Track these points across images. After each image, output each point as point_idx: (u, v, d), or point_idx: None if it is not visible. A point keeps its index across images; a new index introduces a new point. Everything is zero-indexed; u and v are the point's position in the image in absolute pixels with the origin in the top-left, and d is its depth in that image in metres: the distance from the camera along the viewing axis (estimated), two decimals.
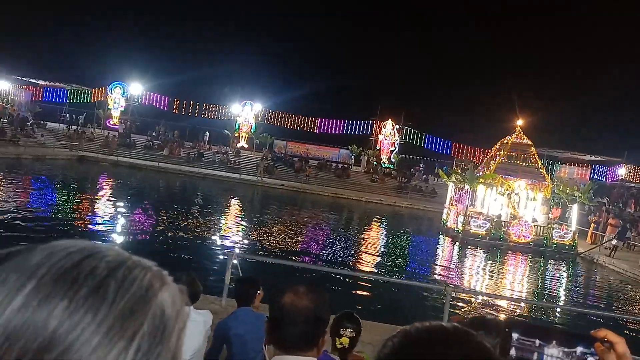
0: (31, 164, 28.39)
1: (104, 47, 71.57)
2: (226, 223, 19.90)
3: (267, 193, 32.27)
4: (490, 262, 19.51)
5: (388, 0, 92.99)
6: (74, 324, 0.43)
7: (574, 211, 24.40)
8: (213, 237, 16.10)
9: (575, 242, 23.00)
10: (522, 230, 22.75)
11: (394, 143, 47.14)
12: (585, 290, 16.73)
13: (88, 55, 63.57)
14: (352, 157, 46.02)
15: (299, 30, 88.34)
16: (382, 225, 25.75)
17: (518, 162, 24.91)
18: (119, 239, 13.91)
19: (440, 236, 23.96)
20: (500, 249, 21.76)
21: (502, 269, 18.86)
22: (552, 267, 20.15)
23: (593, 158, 43.51)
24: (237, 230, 18.21)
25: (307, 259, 14.45)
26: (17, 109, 40.48)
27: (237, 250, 11.67)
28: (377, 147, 46.93)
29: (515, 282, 17.11)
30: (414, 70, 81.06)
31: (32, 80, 46.66)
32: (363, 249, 18.10)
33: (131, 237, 14.42)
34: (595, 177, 41.98)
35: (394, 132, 47.11)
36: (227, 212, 22.98)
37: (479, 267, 18.89)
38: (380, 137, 47.17)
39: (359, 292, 11.34)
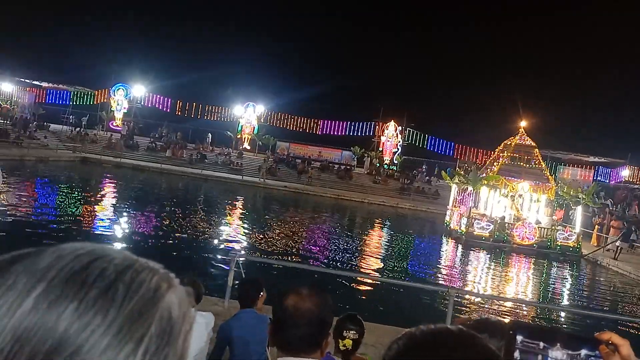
0: (34, 166, 28.48)
1: (105, 48, 71.58)
2: (229, 224, 19.92)
3: (269, 194, 32.28)
4: (494, 264, 19.46)
5: (388, 0, 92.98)
6: (83, 326, 0.44)
7: (578, 213, 24.28)
8: (216, 239, 16.12)
9: (580, 244, 22.90)
10: (525, 232, 22.67)
11: (397, 144, 47.11)
12: (589, 292, 16.65)
13: (90, 57, 63.64)
14: (355, 158, 45.94)
15: (299, 30, 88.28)
16: (384, 227, 25.71)
17: (521, 163, 24.81)
18: (121, 240, 13.92)
19: (444, 238, 23.88)
20: (503, 250, 21.70)
21: (505, 271, 18.80)
22: (556, 269, 20.09)
23: (596, 159, 43.33)
24: (240, 232, 18.21)
25: (310, 260, 14.43)
26: (20, 111, 40.61)
27: (239, 252, 11.67)
28: (380, 149, 46.92)
29: (519, 284, 17.06)
30: (414, 71, 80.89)
31: (35, 82, 46.80)
32: (366, 251, 18.08)
33: (133, 238, 14.44)
34: (599, 178, 41.82)
35: (397, 134, 47.10)
36: (229, 214, 22.99)
37: (482, 269, 18.84)
38: (383, 138, 47.16)
39: (362, 294, 11.33)
